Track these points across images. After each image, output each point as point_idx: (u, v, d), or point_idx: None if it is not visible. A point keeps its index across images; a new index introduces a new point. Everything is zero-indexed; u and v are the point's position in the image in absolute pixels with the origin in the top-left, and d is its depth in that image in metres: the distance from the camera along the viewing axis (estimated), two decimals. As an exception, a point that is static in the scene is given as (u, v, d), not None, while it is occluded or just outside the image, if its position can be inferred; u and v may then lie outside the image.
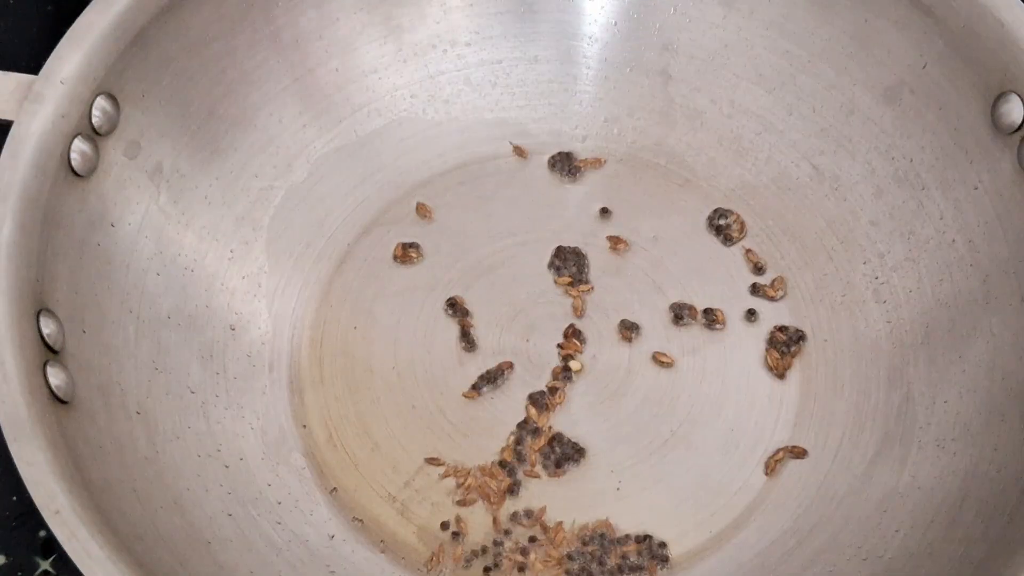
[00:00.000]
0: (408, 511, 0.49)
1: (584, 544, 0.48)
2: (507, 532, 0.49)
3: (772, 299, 0.53)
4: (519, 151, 0.56)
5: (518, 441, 0.50)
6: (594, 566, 0.48)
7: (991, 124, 0.47)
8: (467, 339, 0.52)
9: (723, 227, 0.55)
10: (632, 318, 0.53)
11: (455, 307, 0.53)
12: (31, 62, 0.46)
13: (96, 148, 0.46)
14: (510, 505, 0.49)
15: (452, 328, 0.53)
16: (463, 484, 0.49)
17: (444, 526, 0.49)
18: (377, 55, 0.55)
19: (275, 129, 0.54)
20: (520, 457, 0.50)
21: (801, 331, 0.52)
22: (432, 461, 0.50)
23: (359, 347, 0.52)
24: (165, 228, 0.49)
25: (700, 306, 0.53)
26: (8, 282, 0.41)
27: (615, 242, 0.54)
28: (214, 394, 0.49)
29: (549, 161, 0.56)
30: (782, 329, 0.52)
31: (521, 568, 0.48)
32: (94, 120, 0.45)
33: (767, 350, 0.52)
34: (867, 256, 0.52)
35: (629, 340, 0.52)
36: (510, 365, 0.52)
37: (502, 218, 0.55)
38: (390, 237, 0.55)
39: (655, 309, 0.53)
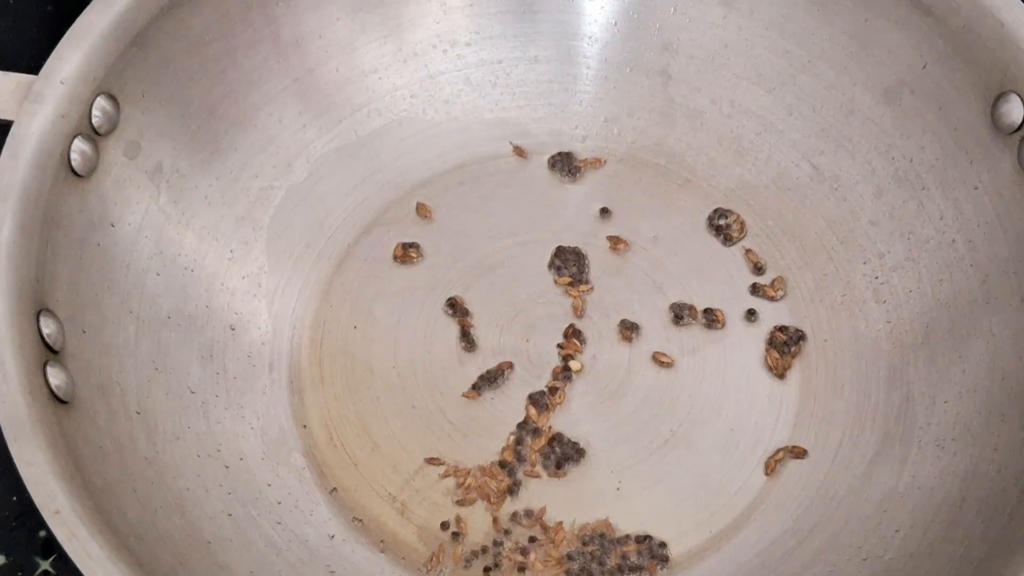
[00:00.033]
0: (408, 511, 0.49)
1: (584, 544, 0.48)
2: (507, 532, 0.49)
3: (772, 299, 0.53)
4: (519, 151, 0.56)
5: (518, 441, 0.50)
6: (594, 566, 0.48)
7: (991, 124, 0.47)
8: (467, 339, 0.52)
9: (723, 227, 0.55)
10: (632, 318, 0.53)
11: (455, 307, 0.53)
12: (31, 62, 0.46)
13: (96, 148, 0.46)
14: (510, 505, 0.49)
15: (452, 328, 0.53)
16: (463, 484, 0.49)
17: (444, 526, 0.49)
18: (377, 55, 0.55)
19: (275, 129, 0.54)
20: (520, 457, 0.50)
21: (801, 331, 0.52)
22: (432, 461, 0.50)
23: (359, 347, 0.52)
24: (165, 228, 0.49)
25: (700, 306, 0.53)
26: (8, 282, 0.41)
27: (615, 242, 0.54)
28: (214, 394, 0.49)
29: (549, 161, 0.56)
30: (782, 329, 0.52)
31: (521, 568, 0.48)
32: (94, 120, 0.45)
33: (767, 350, 0.52)
34: (867, 256, 0.52)
35: (629, 340, 0.52)
36: (510, 365, 0.52)
37: (502, 218, 0.55)
38: (390, 237, 0.55)
39: (655, 309, 0.53)
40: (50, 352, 0.42)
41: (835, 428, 0.50)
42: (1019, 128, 0.46)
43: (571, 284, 0.53)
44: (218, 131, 0.52)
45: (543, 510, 0.49)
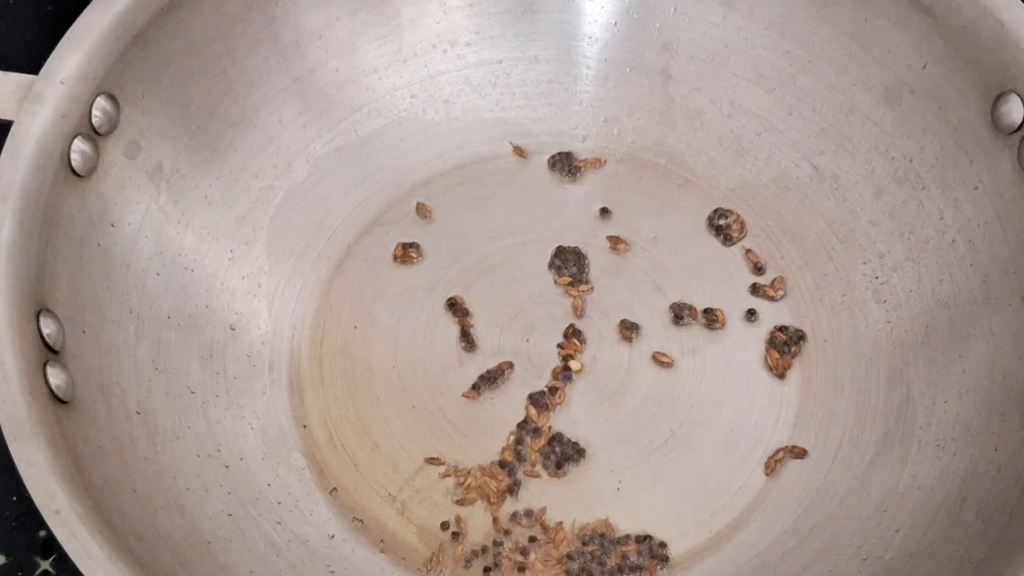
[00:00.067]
0: (408, 511, 0.49)
1: (584, 544, 0.48)
2: (507, 532, 0.49)
3: (772, 299, 0.53)
4: (519, 151, 0.56)
5: (518, 441, 0.50)
6: (594, 566, 0.48)
7: (991, 124, 0.47)
8: (467, 339, 0.52)
9: (723, 227, 0.55)
10: (632, 318, 0.53)
11: (455, 307, 0.53)
12: (31, 62, 0.46)
13: (96, 148, 0.46)
14: (510, 505, 0.49)
15: (452, 328, 0.53)
16: (463, 484, 0.49)
17: (444, 526, 0.49)
18: (377, 55, 0.55)
19: (275, 129, 0.54)
20: (520, 457, 0.50)
21: (801, 331, 0.52)
22: (432, 461, 0.50)
23: (359, 347, 0.52)
24: (165, 228, 0.49)
25: (700, 306, 0.53)
26: (8, 282, 0.41)
27: (615, 242, 0.54)
28: (214, 394, 0.49)
29: (549, 161, 0.56)
30: (782, 329, 0.52)
31: (521, 568, 0.48)
32: (94, 120, 0.45)
33: (767, 350, 0.52)
34: (867, 256, 0.52)
35: (629, 340, 0.52)
36: (510, 365, 0.52)
37: (502, 218, 0.55)
38: (390, 237, 0.55)
39: (655, 309, 0.53)
40: (50, 352, 0.42)
41: (835, 428, 0.50)
42: (1019, 128, 0.46)
43: (571, 284, 0.53)
44: (218, 131, 0.52)
45: (543, 510, 0.49)
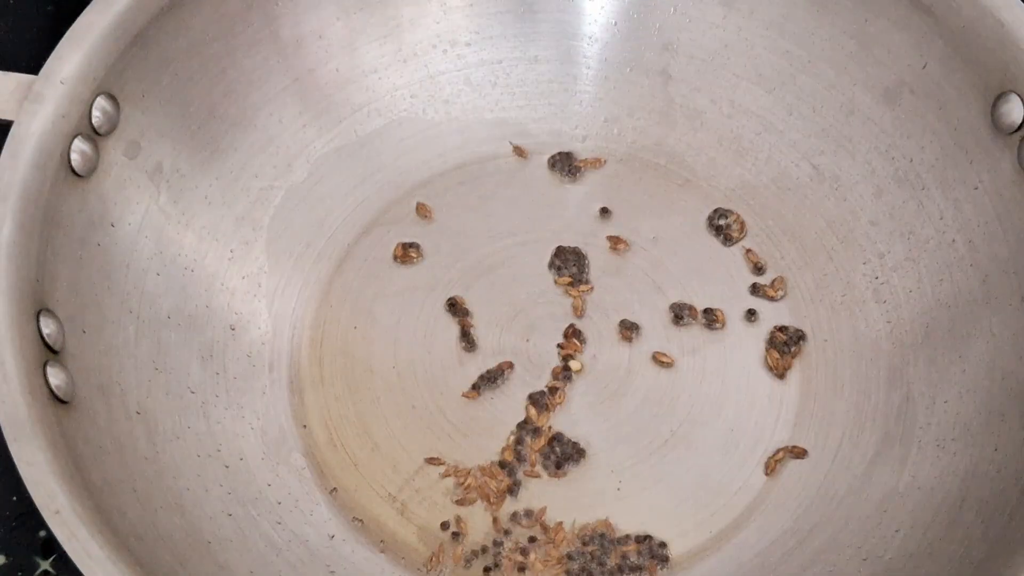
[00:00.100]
0: (408, 511, 0.49)
1: (584, 544, 0.48)
2: (507, 532, 0.49)
3: (772, 299, 0.53)
4: (519, 151, 0.56)
5: (518, 441, 0.50)
6: (594, 566, 0.48)
7: (991, 124, 0.47)
8: (467, 339, 0.52)
9: (723, 227, 0.55)
10: (632, 318, 0.53)
11: (455, 307, 0.53)
12: (31, 62, 0.46)
13: (96, 148, 0.46)
14: (510, 505, 0.49)
15: (452, 328, 0.53)
16: (463, 484, 0.49)
17: (444, 526, 0.49)
18: (377, 55, 0.55)
19: (275, 129, 0.54)
20: (520, 457, 0.50)
21: (801, 331, 0.52)
22: (432, 461, 0.50)
23: (359, 347, 0.52)
24: (165, 228, 0.49)
25: (700, 306, 0.53)
26: (8, 282, 0.41)
27: (615, 242, 0.54)
28: (214, 394, 0.49)
29: (549, 161, 0.56)
30: (782, 329, 0.52)
31: (521, 568, 0.48)
32: (94, 120, 0.45)
33: (767, 350, 0.52)
34: (867, 256, 0.52)
35: (629, 340, 0.52)
36: (510, 365, 0.52)
37: (502, 218, 0.55)
38: (390, 237, 0.55)
39: (655, 309, 0.53)
40: (50, 352, 0.42)
41: (835, 428, 0.50)
42: (1019, 128, 0.46)
43: (571, 284, 0.53)
44: (218, 131, 0.52)
45: (543, 510, 0.49)
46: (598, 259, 0.54)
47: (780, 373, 0.51)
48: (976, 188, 0.49)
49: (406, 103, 0.56)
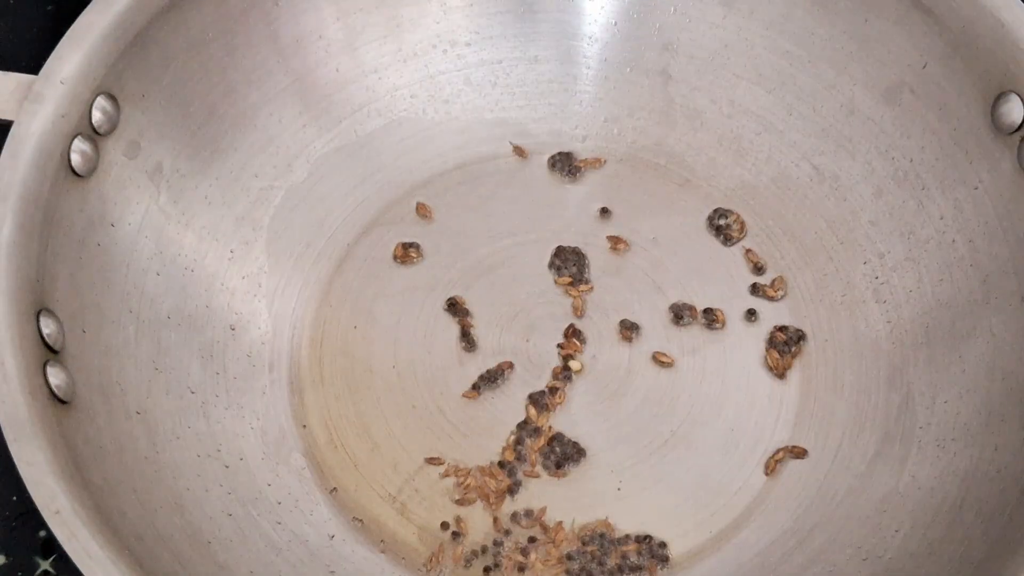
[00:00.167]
0: (408, 511, 0.49)
1: (584, 544, 0.48)
2: (507, 532, 0.49)
3: (772, 299, 0.53)
4: (519, 151, 0.56)
5: (518, 441, 0.50)
6: (594, 566, 0.48)
7: (991, 124, 0.47)
8: (467, 339, 0.52)
9: (723, 227, 0.55)
10: (632, 318, 0.53)
11: (455, 307, 0.53)
12: (31, 62, 0.46)
13: (96, 148, 0.46)
14: (510, 505, 0.49)
15: (452, 328, 0.53)
16: (463, 484, 0.49)
17: (444, 526, 0.49)
18: (377, 55, 0.55)
19: (275, 129, 0.54)
20: (520, 457, 0.50)
21: (801, 331, 0.52)
22: (432, 461, 0.50)
23: (359, 347, 0.52)
24: (165, 228, 0.49)
25: (700, 306, 0.53)
26: (8, 282, 0.41)
27: (615, 242, 0.54)
28: (214, 394, 0.49)
29: (549, 161, 0.56)
30: (782, 329, 0.52)
31: (521, 568, 0.48)
32: (94, 120, 0.45)
33: (767, 350, 0.52)
34: (867, 256, 0.52)
35: (629, 340, 0.52)
36: (510, 365, 0.52)
37: (502, 218, 0.55)
38: (390, 237, 0.55)
39: (655, 309, 0.53)
40: (50, 352, 0.42)
41: (835, 428, 0.50)
42: (1019, 128, 0.46)
43: (571, 284, 0.53)
44: (218, 131, 0.52)
45: (543, 510, 0.49)
46: (598, 259, 0.54)
47: (780, 373, 0.51)
48: (976, 188, 0.49)
49: (406, 103, 0.56)
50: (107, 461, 0.42)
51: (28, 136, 0.43)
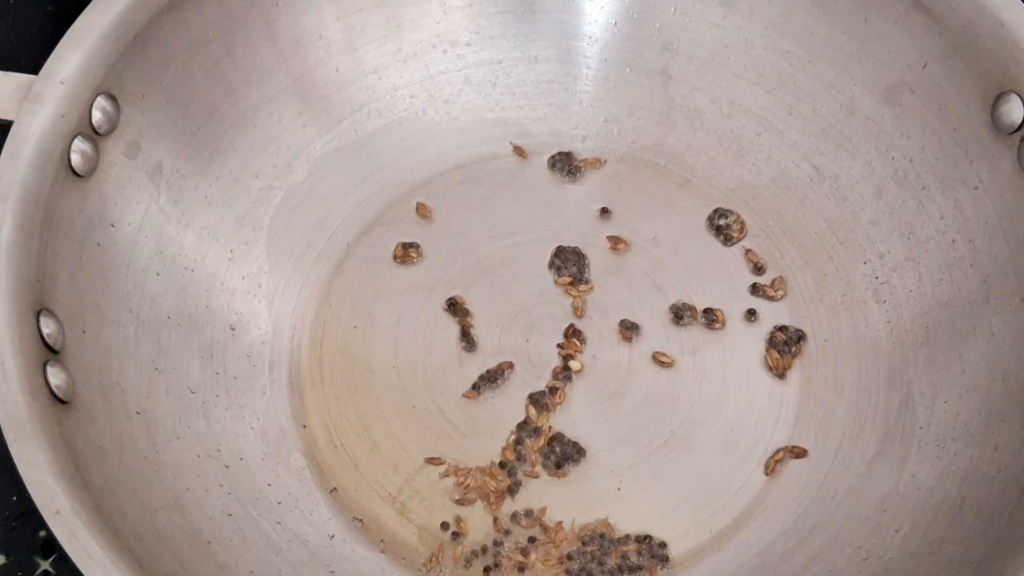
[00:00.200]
0: (408, 511, 0.49)
1: (584, 544, 0.48)
2: (507, 532, 0.49)
3: (772, 299, 0.53)
4: (519, 151, 0.56)
5: (518, 441, 0.50)
6: (594, 566, 0.48)
7: (991, 124, 0.47)
8: (467, 339, 0.52)
9: (723, 227, 0.55)
10: (632, 318, 0.53)
11: (455, 307, 0.53)
12: (31, 62, 0.47)
13: (96, 148, 0.46)
14: (510, 505, 0.49)
15: (452, 328, 0.53)
16: (463, 484, 0.49)
17: (444, 526, 0.49)
18: (377, 55, 0.55)
19: (275, 129, 0.54)
20: (520, 457, 0.50)
21: (801, 331, 0.52)
22: (432, 461, 0.50)
23: (359, 347, 0.52)
24: (165, 228, 0.49)
25: (700, 306, 0.53)
26: (8, 282, 0.41)
27: (615, 242, 0.54)
28: (214, 394, 0.49)
29: (549, 161, 0.56)
30: (782, 329, 0.52)
31: (521, 568, 0.48)
32: (94, 120, 0.45)
33: (767, 350, 0.52)
34: (867, 256, 0.52)
35: (629, 340, 0.52)
36: (510, 365, 0.52)
37: (502, 218, 0.55)
38: (390, 237, 0.55)
39: (655, 309, 0.53)
40: (50, 352, 0.42)
41: (835, 428, 0.50)
42: (1019, 128, 0.46)
43: (571, 284, 0.53)
44: (218, 131, 0.52)
45: (543, 510, 0.49)
46: (598, 259, 0.54)
47: (780, 373, 0.51)
48: (976, 188, 0.49)
49: (406, 103, 0.56)
50: (107, 461, 0.42)
51: (28, 136, 0.43)
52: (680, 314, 0.53)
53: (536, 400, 0.51)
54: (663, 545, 0.48)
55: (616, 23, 0.56)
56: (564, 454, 0.50)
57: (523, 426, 0.50)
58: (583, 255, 0.54)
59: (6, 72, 0.45)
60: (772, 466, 0.50)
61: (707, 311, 0.53)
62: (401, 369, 0.52)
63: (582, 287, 0.53)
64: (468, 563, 0.48)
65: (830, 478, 0.49)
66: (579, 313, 0.53)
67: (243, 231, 0.53)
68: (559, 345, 0.52)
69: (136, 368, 0.47)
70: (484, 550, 0.48)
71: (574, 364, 0.52)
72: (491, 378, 0.51)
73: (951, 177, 0.50)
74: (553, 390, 0.51)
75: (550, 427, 0.51)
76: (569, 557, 0.48)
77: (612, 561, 0.48)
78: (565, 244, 0.54)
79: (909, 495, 0.47)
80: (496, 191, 0.56)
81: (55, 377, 0.41)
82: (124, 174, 0.47)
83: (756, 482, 0.49)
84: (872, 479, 0.48)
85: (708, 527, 0.49)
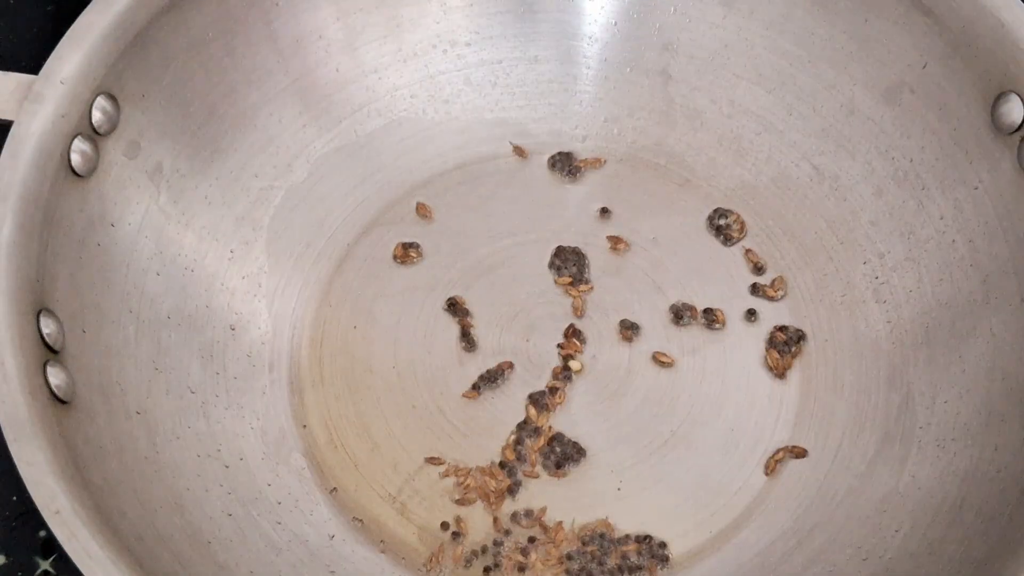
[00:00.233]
0: (408, 511, 0.49)
1: (584, 544, 0.48)
2: (507, 532, 0.49)
3: (772, 299, 0.53)
4: (519, 151, 0.56)
5: (518, 441, 0.50)
6: (594, 566, 0.48)
7: (991, 124, 0.47)
8: (467, 339, 0.52)
9: (723, 227, 0.55)
10: (632, 318, 0.53)
11: (455, 307, 0.53)
12: (31, 62, 0.47)
13: (96, 148, 0.46)
14: (510, 505, 0.49)
15: (452, 328, 0.53)
16: (463, 484, 0.49)
17: (444, 526, 0.49)
18: (377, 55, 0.55)
19: (275, 129, 0.54)
20: (520, 457, 0.50)
21: (801, 331, 0.52)
22: (432, 461, 0.50)
23: (359, 347, 0.52)
24: (165, 228, 0.49)
25: (700, 306, 0.53)
26: (8, 282, 0.41)
27: (615, 242, 0.54)
28: (214, 394, 0.49)
29: (549, 161, 0.56)
30: (782, 329, 0.52)
31: (521, 568, 0.48)
32: (94, 120, 0.45)
33: (767, 350, 0.52)
34: (867, 256, 0.52)
35: (629, 340, 0.52)
36: (510, 365, 0.52)
37: (502, 218, 0.55)
38: (390, 237, 0.55)
39: (655, 309, 0.53)
40: (50, 352, 0.42)
41: (835, 428, 0.50)
42: (1019, 128, 0.46)
43: (571, 284, 0.53)
44: (218, 131, 0.52)
45: (543, 510, 0.49)
46: (598, 259, 0.54)
47: (780, 373, 0.51)
48: (976, 188, 0.49)
49: (406, 103, 0.56)
50: (107, 461, 0.42)
51: (28, 136, 0.43)
52: (680, 314, 0.53)
53: (536, 400, 0.51)
54: (663, 545, 0.48)
55: (616, 23, 0.56)
56: (564, 454, 0.50)
57: (523, 426, 0.50)
58: (583, 255, 0.54)
59: (6, 72, 0.45)
60: (772, 466, 0.50)
61: (707, 311, 0.53)
62: (401, 369, 0.52)
63: (582, 287, 0.53)
64: (468, 563, 0.48)
65: (830, 478, 0.49)
66: (579, 313, 0.53)
67: (243, 231, 0.53)
68: (559, 345, 0.52)
69: (136, 368, 0.47)
70: (484, 550, 0.48)
71: (574, 364, 0.52)
72: (491, 378, 0.51)
73: (951, 177, 0.50)
74: (553, 390, 0.51)
75: (550, 427, 0.51)
76: (569, 557, 0.48)
77: (612, 561, 0.48)
78: (565, 244, 0.54)
79: (909, 495, 0.47)
80: (496, 191, 0.56)
81: (55, 377, 0.41)
82: (124, 174, 0.47)
83: (756, 482, 0.49)
84: (872, 479, 0.48)
85: (708, 527, 0.49)
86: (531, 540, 0.48)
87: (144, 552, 0.40)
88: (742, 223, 0.55)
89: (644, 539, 0.48)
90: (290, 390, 0.51)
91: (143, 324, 0.48)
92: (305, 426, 0.51)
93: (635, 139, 0.56)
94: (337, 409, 0.51)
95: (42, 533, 0.49)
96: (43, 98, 0.44)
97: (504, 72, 0.57)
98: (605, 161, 0.56)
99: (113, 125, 0.47)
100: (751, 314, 0.53)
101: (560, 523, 0.49)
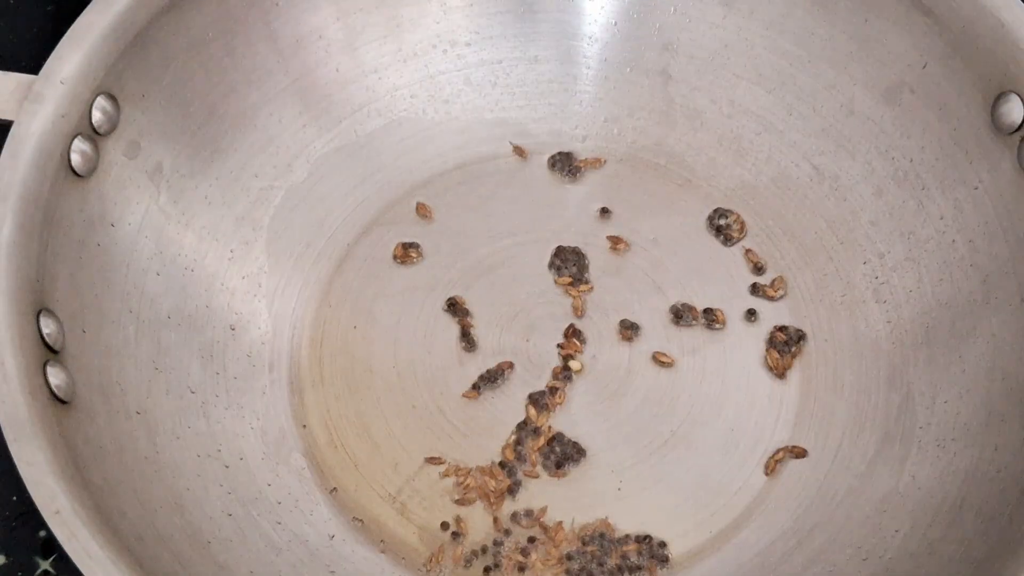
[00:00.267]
0: (408, 511, 0.49)
1: (584, 544, 0.48)
2: (507, 532, 0.49)
3: (772, 299, 0.53)
4: (519, 151, 0.56)
5: (518, 441, 0.50)
6: (594, 566, 0.48)
7: (991, 124, 0.47)
8: (467, 339, 0.52)
9: (723, 227, 0.55)
10: (632, 318, 0.53)
11: (455, 307, 0.53)
12: (31, 62, 0.47)
13: (96, 148, 0.46)
14: (510, 505, 0.49)
15: (452, 328, 0.53)
16: (463, 484, 0.49)
17: (444, 526, 0.49)
18: (377, 55, 0.55)
19: (275, 129, 0.54)
20: (520, 457, 0.50)
21: (801, 331, 0.52)
22: (432, 461, 0.50)
23: (359, 347, 0.52)
24: (165, 228, 0.49)
25: (700, 306, 0.53)
26: (8, 282, 0.41)
27: (615, 242, 0.54)
28: (214, 394, 0.49)
29: (549, 161, 0.56)
30: (782, 329, 0.52)
31: (521, 568, 0.48)
32: (94, 120, 0.45)
33: (767, 350, 0.52)
34: (867, 256, 0.52)
35: (629, 340, 0.52)
36: (510, 365, 0.52)
37: (502, 218, 0.55)
38: (390, 237, 0.55)
39: (655, 309, 0.53)
40: (50, 352, 0.42)
41: (835, 428, 0.50)
42: (1019, 128, 0.46)
43: (571, 284, 0.53)
44: (218, 131, 0.52)
45: (543, 510, 0.49)
46: (598, 259, 0.54)
47: (780, 373, 0.51)
48: (976, 188, 0.49)
49: (406, 103, 0.56)
50: (107, 461, 0.42)
51: (28, 136, 0.43)
52: (680, 314, 0.53)
53: (536, 400, 0.51)
54: (663, 545, 0.48)
55: (616, 23, 0.56)
56: (564, 454, 0.50)
57: (523, 426, 0.50)
58: (583, 255, 0.54)
59: (6, 72, 0.45)
60: (772, 466, 0.50)
61: (707, 311, 0.53)
62: (401, 369, 0.52)
63: (582, 287, 0.53)
64: (468, 563, 0.48)
65: (830, 478, 0.49)
66: (579, 313, 0.53)
67: (243, 231, 0.53)
68: (559, 345, 0.52)
69: (136, 368, 0.47)
70: (484, 550, 0.48)
71: (574, 364, 0.52)
72: (491, 378, 0.51)
73: (951, 177, 0.50)
74: (553, 390, 0.51)
75: (550, 427, 0.51)
76: (569, 557, 0.48)
77: (612, 561, 0.48)
78: (565, 244, 0.54)
79: (909, 495, 0.47)
80: (496, 191, 0.56)
81: (55, 377, 0.41)
82: (124, 174, 0.47)
83: (756, 482, 0.49)
84: (872, 479, 0.48)
85: (708, 527, 0.49)
86: (531, 540, 0.48)
87: (144, 552, 0.40)
88: (742, 223, 0.55)
89: (644, 539, 0.48)
90: (290, 390, 0.51)
91: (143, 324, 0.48)
92: (305, 426, 0.51)
93: (635, 139, 0.56)
94: (337, 409, 0.51)
95: (42, 533, 0.49)
96: (43, 98, 0.44)
97: (504, 72, 0.57)
98: (605, 161, 0.56)
99: (113, 125, 0.47)
100: (751, 314, 0.53)
101: (560, 523, 0.49)
